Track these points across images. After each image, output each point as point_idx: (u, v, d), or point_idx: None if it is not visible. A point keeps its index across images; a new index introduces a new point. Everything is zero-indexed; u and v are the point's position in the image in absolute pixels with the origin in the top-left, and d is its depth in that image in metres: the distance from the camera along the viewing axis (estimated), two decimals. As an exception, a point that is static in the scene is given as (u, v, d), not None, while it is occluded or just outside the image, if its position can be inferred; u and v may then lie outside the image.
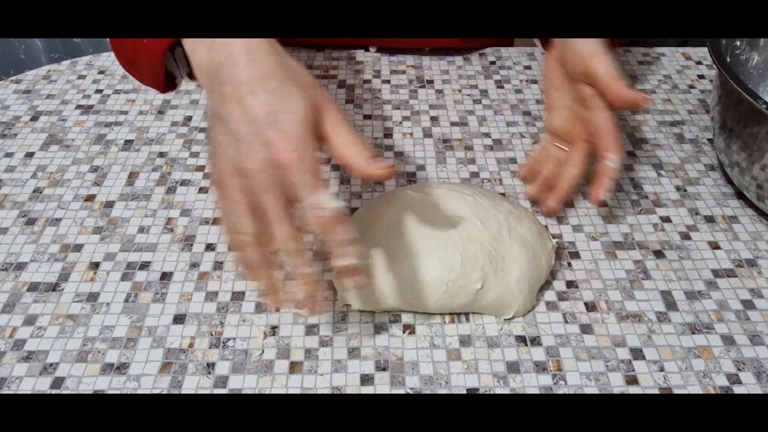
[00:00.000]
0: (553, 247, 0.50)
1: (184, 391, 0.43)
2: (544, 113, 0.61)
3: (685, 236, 0.54)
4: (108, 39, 0.49)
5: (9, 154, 0.62)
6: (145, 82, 0.51)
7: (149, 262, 0.51)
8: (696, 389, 0.43)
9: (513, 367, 0.44)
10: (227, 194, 0.38)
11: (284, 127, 0.36)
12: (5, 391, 0.42)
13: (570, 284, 0.50)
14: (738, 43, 0.58)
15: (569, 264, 0.51)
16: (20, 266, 0.51)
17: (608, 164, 0.50)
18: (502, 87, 0.71)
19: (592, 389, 0.43)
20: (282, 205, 0.37)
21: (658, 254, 0.52)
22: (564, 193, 0.54)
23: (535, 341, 0.46)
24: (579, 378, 0.43)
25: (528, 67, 0.74)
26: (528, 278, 0.46)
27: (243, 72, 0.37)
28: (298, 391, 0.43)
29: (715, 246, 0.53)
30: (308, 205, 0.36)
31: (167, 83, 0.49)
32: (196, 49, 0.40)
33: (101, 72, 0.73)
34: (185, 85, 0.71)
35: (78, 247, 0.52)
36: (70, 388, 0.43)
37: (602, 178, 0.50)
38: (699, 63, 0.75)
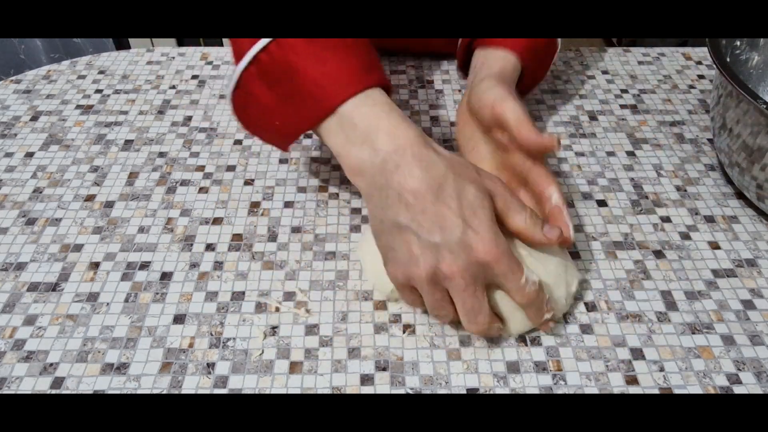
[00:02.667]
0: (577, 287, 0.48)
1: (184, 391, 0.43)
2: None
3: (685, 236, 0.54)
4: (230, 107, 0.48)
5: (9, 154, 0.62)
6: (270, 143, 0.51)
7: (149, 262, 0.51)
8: (696, 389, 0.43)
9: (513, 367, 0.44)
10: (427, 295, 0.42)
11: (477, 227, 0.39)
12: (5, 391, 0.42)
13: (570, 284, 0.50)
14: (738, 43, 0.58)
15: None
16: (20, 266, 0.51)
17: (554, 202, 0.48)
18: (502, 87, 0.71)
19: (592, 389, 0.43)
20: (482, 296, 0.41)
21: (658, 254, 0.52)
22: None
23: (535, 341, 0.46)
24: (579, 378, 0.43)
25: (528, 67, 0.74)
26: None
27: (421, 181, 0.40)
28: (298, 391, 0.43)
29: (715, 246, 0.53)
30: (516, 289, 0.41)
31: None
32: (356, 153, 0.42)
33: (101, 72, 0.73)
34: (184, 85, 0.71)
35: (78, 247, 0.52)
36: (70, 388, 0.43)
37: (559, 219, 0.47)
38: (699, 63, 0.75)
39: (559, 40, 0.62)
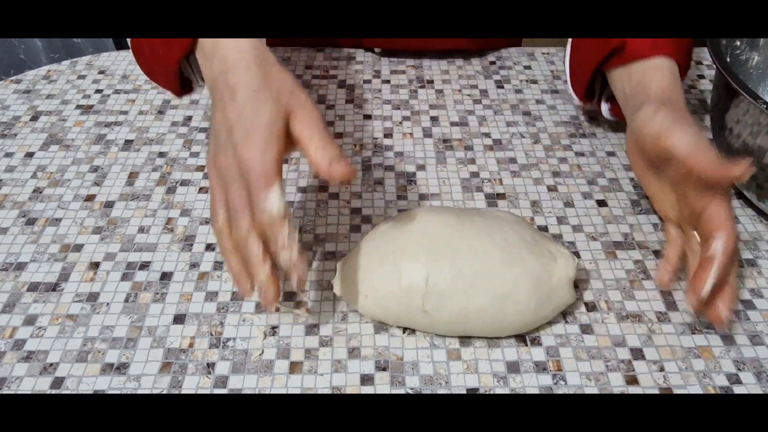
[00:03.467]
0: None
1: (184, 391, 0.43)
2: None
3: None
4: (130, 48, 0.52)
5: (9, 154, 0.62)
6: (164, 87, 0.54)
7: (149, 262, 0.51)
8: (696, 389, 0.43)
9: (513, 367, 0.44)
10: (211, 188, 0.42)
11: (251, 130, 0.39)
12: (5, 391, 0.42)
13: (570, 284, 0.50)
14: (738, 43, 0.58)
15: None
16: (20, 266, 0.51)
17: (711, 252, 0.42)
18: (502, 87, 0.71)
19: (592, 389, 0.43)
20: (245, 199, 0.40)
21: (658, 254, 0.52)
22: (730, 294, 0.43)
23: (535, 341, 0.46)
24: (579, 378, 0.43)
25: (528, 67, 0.74)
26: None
27: (228, 83, 0.41)
28: (298, 391, 0.43)
29: (715, 246, 0.53)
30: (256, 202, 0.39)
31: (184, 88, 0.52)
32: (205, 64, 0.44)
33: (101, 72, 0.73)
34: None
35: (78, 247, 0.52)
36: (70, 388, 0.43)
37: (701, 272, 0.42)
38: (699, 63, 0.75)
39: None
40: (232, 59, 0.42)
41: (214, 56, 0.43)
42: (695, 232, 0.46)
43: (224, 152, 0.40)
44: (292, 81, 0.42)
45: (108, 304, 0.48)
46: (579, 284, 0.49)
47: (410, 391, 0.43)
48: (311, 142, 0.40)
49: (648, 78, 0.50)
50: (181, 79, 0.50)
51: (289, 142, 0.41)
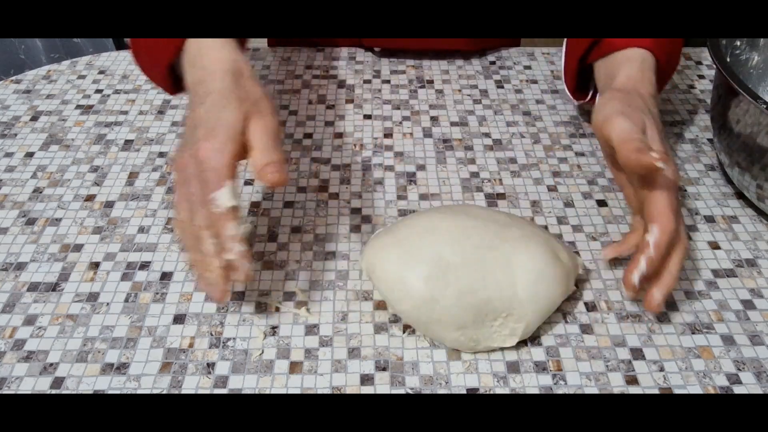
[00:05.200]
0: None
1: (184, 391, 0.43)
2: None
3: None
4: (128, 46, 0.54)
5: (9, 154, 0.62)
6: (158, 85, 0.55)
7: (149, 262, 0.51)
8: (696, 389, 0.43)
9: (513, 367, 0.44)
10: (174, 183, 0.44)
11: (212, 131, 0.41)
12: (5, 391, 0.42)
13: (570, 284, 0.50)
14: (738, 43, 0.58)
15: (582, 268, 0.51)
16: (20, 266, 0.51)
17: (646, 237, 0.43)
18: (502, 87, 0.71)
19: (592, 389, 0.43)
20: (201, 195, 0.41)
21: (658, 254, 0.52)
22: (668, 282, 0.44)
23: (535, 341, 0.46)
24: (579, 378, 0.43)
25: (528, 67, 0.74)
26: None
27: (205, 89, 0.44)
28: (298, 391, 0.43)
29: (715, 246, 0.53)
30: (204, 199, 0.41)
31: (178, 87, 0.53)
32: (188, 70, 0.47)
33: (101, 72, 0.73)
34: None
35: (78, 247, 0.52)
36: (70, 388, 0.43)
37: (636, 257, 0.43)
38: (699, 63, 0.75)
39: None
40: (211, 69, 0.44)
41: (196, 64, 0.46)
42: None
43: (187, 149, 0.42)
44: (261, 92, 0.44)
45: (108, 304, 0.48)
46: (579, 284, 0.49)
47: (410, 391, 0.43)
48: (256, 144, 0.42)
49: (618, 68, 0.51)
50: (176, 78, 0.52)
51: (246, 148, 0.42)
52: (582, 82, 0.60)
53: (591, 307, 0.48)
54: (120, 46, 1.40)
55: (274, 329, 0.46)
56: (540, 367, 0.44)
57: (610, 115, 0.44)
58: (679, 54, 0.56)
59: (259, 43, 0.78)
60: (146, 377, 0.43)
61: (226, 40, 0.46)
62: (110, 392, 0.42)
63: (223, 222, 0.41)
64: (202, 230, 0.41)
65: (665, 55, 0.52)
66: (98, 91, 0.70)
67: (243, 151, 0.42)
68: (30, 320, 0.47)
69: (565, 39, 0.61)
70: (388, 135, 0.64)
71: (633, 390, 0.43)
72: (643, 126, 0.44)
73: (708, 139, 0.64)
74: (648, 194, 0.44)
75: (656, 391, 0.43)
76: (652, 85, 0.49)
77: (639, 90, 0.48)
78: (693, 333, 0.46)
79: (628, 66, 0.50)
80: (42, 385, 0.43)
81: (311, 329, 0.46)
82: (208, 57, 0.45)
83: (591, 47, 0.54)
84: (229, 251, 0.41)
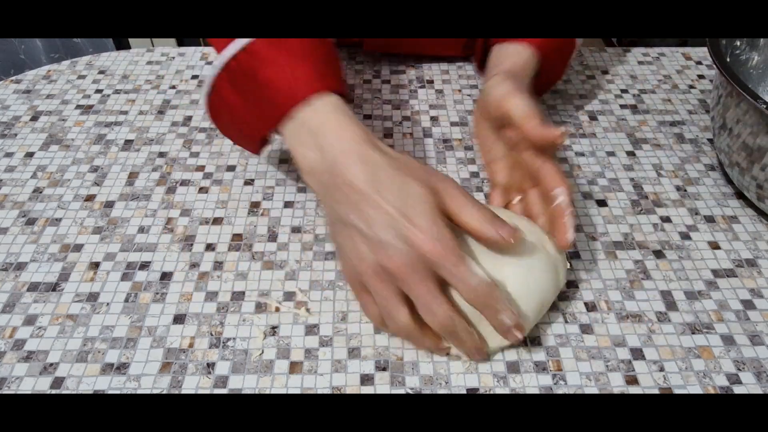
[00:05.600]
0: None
1: (184, 391, 0.43)
2: (484, 168, 0.58)
3: (685, 236, 0.54)
4: (206, 110, 0.51)
5: (9, 154, 0.62)
6: (241, 146, 0.55)
7: (149, 262, 0.51)
8: (696, 389, 0.43)
9: (513, 367, 0.44)
10: (376, 293, 0.41)
11: (417, 221, 0.39)
12: (5, 391, 0.42)
13: (570, 284, 0.50)
14: (738, 43, 0.58)
15: (569, 264, 0.51)
16: (20, 266, 0.51)
17: (558, 202, 0.47)
18: (502, 87, 0.71)
19: (592, 389, 0.43)
20: (435, 290, 0.40)
21: (658, 254, 0.52)
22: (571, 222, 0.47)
23: (535, 341, 0.46)
24: (579, 378, 0.43)
25: (528, 67, 0.74)
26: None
27: (362, 179, 0.40)
28: (298, 391, 0.43)
29: (715, 246, 0.53)
30: (465, 282, 0.39)
31: (262, 144, 0.51)
32: (306, 154, 0.43)
33: (101, 72, 0.73)
34: (184, 85, 0.71)
35: (78, 247, 0.52)
36: (70, 388, 0.43)
37: (560, 221, 0.46)
38: (699, 63, 0.75)
39: (577, 43, 0.62)
40: (352, 152, 0.41)
41: (322, 146, 0.42)
42: (520, 196, 0.52)
43: (392, 254, 0.39)
44: (414, 159, 0.43)
45: (108, 304, 0.48)
46: (579, 284, 0.49)
47: (410, 391, 0.43)
48: (469, 217, 0.41)
49: (505, 56, 0.57)
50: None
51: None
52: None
53: (591, 307, 0.48)
54: (120, 46, 1.40)
55: (274, 329, 0.46)
56: (540, 367, 0.44)
57: (509, 92, 0.49)
58: (565, 63, 0.62)
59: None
60: (146, 377, 0.43)
61: (347, 110, 0.44)
62: (110, 392, 0.42)
63: (492, 292, 0.39)
64: (453, 319, 0.40)
65: (546, 53, 0.57)
66: (98, 91, 0.70)
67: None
68: (30, 320, 0.47)
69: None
70: (388, 135, 0.64)
71: (633, 390, 0.43)
72: (533, 103, 0.49)
73: (708, 139, 0.64)
74: (542, 163, 0.48)
75: (656, 391, 0.43)
76: (528, 77, 0.55)
77: (522, 78, 0.54)
78: (693, 333, 0.46)
79: (515, 57, 0.56)
80: (42, 385, 0.43)
81: (311, 329, 0.46)
82: (338, 136, 0.42)
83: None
84: (509, 315, 0.40)
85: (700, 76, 0.73)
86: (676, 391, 0.43)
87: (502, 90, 0.50)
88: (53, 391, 0.42)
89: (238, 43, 0.45)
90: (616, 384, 0.43)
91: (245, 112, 0.47)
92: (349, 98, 0.47)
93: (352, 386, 0.43)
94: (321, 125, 0.43)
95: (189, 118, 0.66)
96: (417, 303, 0.40)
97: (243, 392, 0.43)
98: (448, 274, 0.39)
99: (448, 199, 0.41)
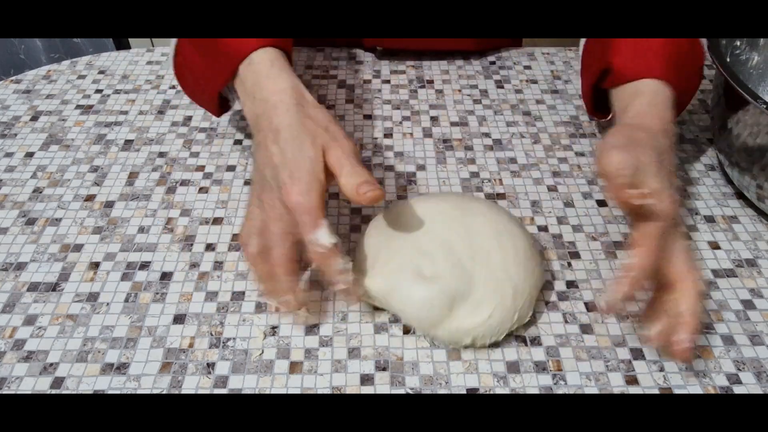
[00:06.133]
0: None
1: (184, 391, 0.43)
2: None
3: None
4: (173, 72, 0.57)
5: (9, 154, 0.62)
6: (204, 108, 0.59)
7: (149, 262, 0.51)
8: (696, 389, 0.43)
9: (513, 367, 0.44)
10: (248, 217, 0.46)
11: (294, 173, 0.42)
12: (5, 391, 0.42)
13: (570, 284, 0.50)
14: (738, 43, 0.58)
15: (569, 264, 0.51)
16: (20, 266, 0.51)
17: (681, 309, 0.41)
18: (502, 87, 0.71)
19: (592, 389, 0.43)
20: (282, 235, 0.43)
21: (658, 254, 0.52)
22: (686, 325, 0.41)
23: (535, 341, 0.46)
24: (579, 378, 0.43)
25: (528, 67, 0.74)
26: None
27: (271, 124, 0.45)
28: (298, 391, 0.43)
29: (715, 246, 0.53)
30: (307, 241, 0.42)
31: (222, 107, 0.56)
32: (246, 100, 0.48)
33: (101, 72, 0.73)
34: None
35: (78, 247, 0.52)
36: (70, 388, 0.43)
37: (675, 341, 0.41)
38: (699, 63, 0.75)
39: (704, 40, 0.54)
40: (273, 101, 0.45)
41: (255, 95, 0.47)
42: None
43: (269, 190, 0.44)
44: (327, 117, 0.45)
45: (108, 304, 0.48)
46: (579, 284, 0.49)
47: (410, 391, 0.43)
48: (342, 170, 0.43)
49: (628, 102, 0.49)
50: (221, 100, 0.55)
51: (329, 176, 0.43)
52: (600, 102, 0.57)
53: (591, 307, 0.48)
54: (120, 46, 1.40)
55: (274, 329, 0.46)
56: (540, 367, 0.44)
57: (604, 149, 0.43)
58: (698, 76, 0.55)
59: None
60: (146, 377, 0.43)
61: (282, 63, 0.47)
62: (110, 392, 0.42)
63: (328, 257, 0.42)
64: (277, 268, 0.44)
65: (679, 81, 0.50)
66: (98, 91, 0.70)
67: (327, 183, 0.43)
68: (30, 320, 0.47)
69: (580, 62, 0.59)
70: (388, 135, 0.64)
71: (633, 390, 0.43)
72: (638, 160, 0.42)
73: (708, 139, 0.64)
74: (637, 225, 0.43)
75: (656, 391, 0.43)
76: (661, 118, 0.47)
77: (646, 124, 0.46)
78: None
79: (638, 101, 0.49)
80: (42, 385, 0.43)
81: (311, 329, 0.46)
82: (267, 88, 0.46)
83: (602, 75, 0.53)
84: (339, 283, 0.43)
85: (700, 76, 0.73)
86: (676, 391, 0.43)
87: (600, 147, 0.44)
88: (53, 391, 0.42)
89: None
90: (616, 384, 0.43)
91: (203, 69, 0.52)
92: (289, 50, 0.50)
93: (352, 386, 0.43)
94: (257, 77, 0.47)
95: (189, 118, 0.66)
96: (269, 238, 0.44)
97: (243, 392, 0.43)
98: (302, 228, 0.42)
99: (331, 158, 0.43)
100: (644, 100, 0.49)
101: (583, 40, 0.59)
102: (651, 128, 0.46)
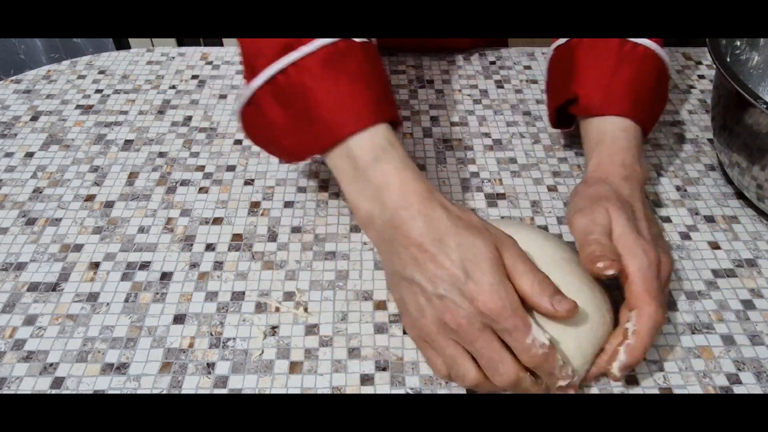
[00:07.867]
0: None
1: (184, 391, 0.43)
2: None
3: (685, 236, 0.54)
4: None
5: (9, 154, 0.62)
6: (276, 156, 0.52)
7: (149, 262, 0.51)
8: (696, 389, 0.43)
9: (513, 367, 0.44)
10: (440, 349, 0.40)
11: (480, 278, 0.38)
12: (5, 391, 0.42)
13: (570, 284, 0.49)
14: (738, 43, 0.58)
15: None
16: (20, 266, 0.51)
17: (626, 325, 0.41)
18: (502, 87, 0.71)
19: (592, 389, 0.43)
20: (497, 346, 0.39)
21: (658, 254, 0.52)
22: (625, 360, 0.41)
23: (535, 341, 0.46)
24: (579, 378, 0.43)
25: (528, 67, 0.74)
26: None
27: (424, 234, 0.40)
28: (298, 391, 0.43)
29: (715, 246, 0.53)
30: (521, 348, 0.38)
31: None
32: (364, 206, 0.43)
33: (101, 72, 0.73)
34: (184, 85, 0.71)
35: (78, 247, 0.52)
36: (70, 388, 0.43)
37: (616, 348, 0.41)
38: (699, 63, 0.75)
39: (667, 63, 0.54)
40: (414, 210, 0.40)
41: (385, 203, 0.41)
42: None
43: (454, 310, 0.38)
44: (476, 215, 0.42)
45: (108, 304, 0.48)
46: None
47: (410, 391, 0.43)
48: (525, 278, 0.39)
49: (592, 148, 0.51)
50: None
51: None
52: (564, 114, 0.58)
53: (591, 307, 0.48)
54: (120, 46, 1.40)
55: (274, 329, 0.46)
56: (540, 367, 0.44)
57: (570, 215, 0.45)
58: (663, 101, 0.56)
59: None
60: (146, 377, 0.43)
61: (407, 164, 0.42)
62: (110, 392, 0.42)
63: (550, 357, 0.38)
64: (520, 379, 0.39)
65: (644, 116, 0.51)
66: (98, 91, 0.70)
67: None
68: (30, 320, 0.47)
69: (546, 74, 0.60)
70: (388, 135, 0.64)
71: (633, 390, 0.43)
72: (605, 219, 0.44)
73: (708, 139, 0.64)
74: (625, 279, 0.42)
75: (656, 391, 0.43)
76: (624, 165, 0.48)
77: (607, 177, 0.48)
78: (693, 333, 0.46)
79: (597, 151, 0.50)
80: (42, 385, 0.43)
81: (311, 329, 0.46)
82: (394, 202, 0.41)
83: (568, 102, 0.54)
84: (565, 378, 0.39)
85: (700, 76, 0.73)
86: (676, 391, 0.43)
87: (568, 212, 0.46)
88: (53, 391, 0.42)
89: (288, 58, 0.43)
90: (616, 384, 0.43)
91: (290, 129, 0.45)
92: (400, 125, 0.46)
93: (352, 386, 0.43)
94: (382, 177, 0.42)
95: (189, 118, 0.66)
96: (480, 361, 0.39)
97: (243, 392, 0.43)
98: (507, 336, 0.38)
99: (506, 258, 0.40)
100: (604, 150, 0.50)
101: (551, 51, 0.58)
102: (613, 181, 0.47)
